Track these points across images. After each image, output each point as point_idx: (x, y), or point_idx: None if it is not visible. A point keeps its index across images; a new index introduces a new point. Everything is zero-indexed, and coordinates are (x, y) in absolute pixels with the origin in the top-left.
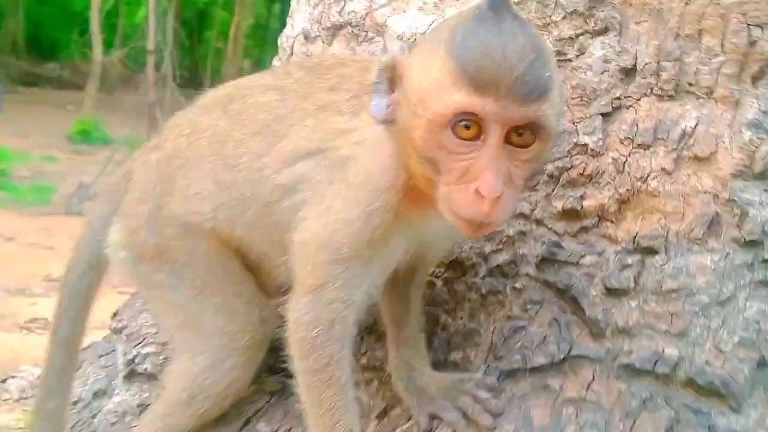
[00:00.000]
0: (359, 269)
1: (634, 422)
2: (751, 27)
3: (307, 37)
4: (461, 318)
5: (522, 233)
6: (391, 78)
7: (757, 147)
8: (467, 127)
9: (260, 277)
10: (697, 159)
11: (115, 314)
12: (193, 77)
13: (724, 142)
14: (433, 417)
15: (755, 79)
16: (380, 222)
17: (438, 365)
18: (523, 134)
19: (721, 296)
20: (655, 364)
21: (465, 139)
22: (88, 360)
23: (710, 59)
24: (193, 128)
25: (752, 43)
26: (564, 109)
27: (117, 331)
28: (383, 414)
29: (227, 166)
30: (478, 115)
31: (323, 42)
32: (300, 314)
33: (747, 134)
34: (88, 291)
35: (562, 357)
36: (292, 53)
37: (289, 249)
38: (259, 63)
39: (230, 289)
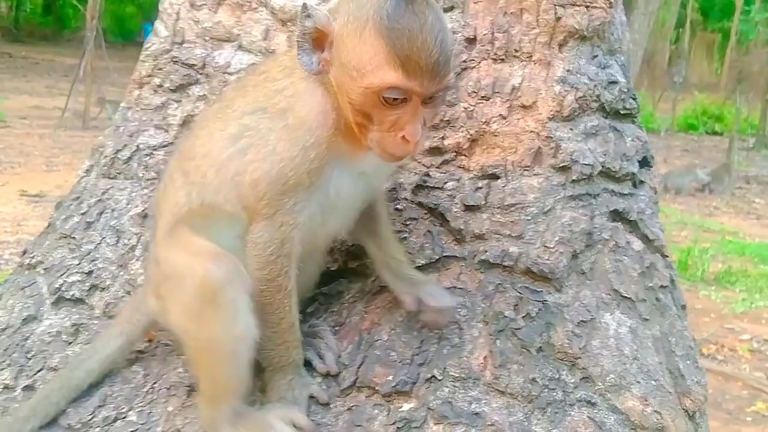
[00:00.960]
0: (302, 196)
1: (492, 302)
2: (557, 6)
3: (192, 5)
4: None
5: (400, 167)
6: (317, 39)
7: (564, 97)
8: (395, 98)
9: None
10: (524, 107)
11: (24, 252)
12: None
13: (541, 94)
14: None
15: (561, 46)
16: (316, 154)
17: (342, 272)
18: (434, 98)
19: (545, 208)
20: (503, 259)
21: (392, 105)
22: (8, 293)
23: (529, 31)
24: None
25: (558, 19)
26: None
27: (31, 267)
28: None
29: (187, 158)
30: (404, 91)
31: (209, 10)
32: (256, 236)
33: (557, 88)
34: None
35: (437, 258)
36: (178, 18)
37: (240, 191)
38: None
39: (188, 259)
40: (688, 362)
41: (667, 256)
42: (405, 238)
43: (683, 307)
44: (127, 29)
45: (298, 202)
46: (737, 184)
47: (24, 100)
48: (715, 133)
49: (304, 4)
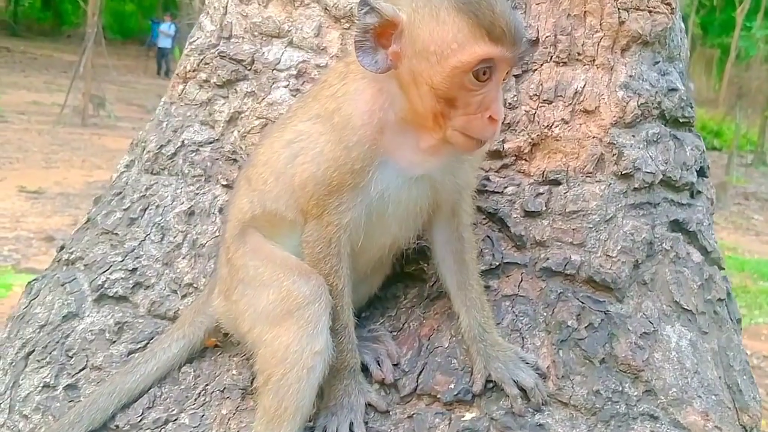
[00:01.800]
0: (347, 196)
1: (554, 310)
2: (620, 10)
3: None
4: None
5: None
6: (380, 34)
7: (626, 103)
8: (484, 72)
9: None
10: (586, 112)
11: (62, 247)
12: None
13: (604, 99)
14: (488, 381)
15: (623, 51)
16: (358, 153)
17: (398, 276)
18: (510, 70)
19: (606, 216)
20: (564, 267)
21: (481, 80)
22: (46, 288)
23: (592, 34)
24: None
25: (622, 23)
26: None
27: (69, 263)
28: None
29: (251, 166)
30: (495, 60)
31: (259, 5)
32: (306, 235)
33: (620, 93)
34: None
35: (497, 264)
36: (225, 12)
37: (295, 195)
38: None
39: (275, 270)
40: (744, 377)
41: (724, 269)
42: None
43: (738, 320)
44: (127, 27)
45: (343, 203)
46: (736, 200)
47: (22, 96)
48: (713, 148)
49: (363, 0)
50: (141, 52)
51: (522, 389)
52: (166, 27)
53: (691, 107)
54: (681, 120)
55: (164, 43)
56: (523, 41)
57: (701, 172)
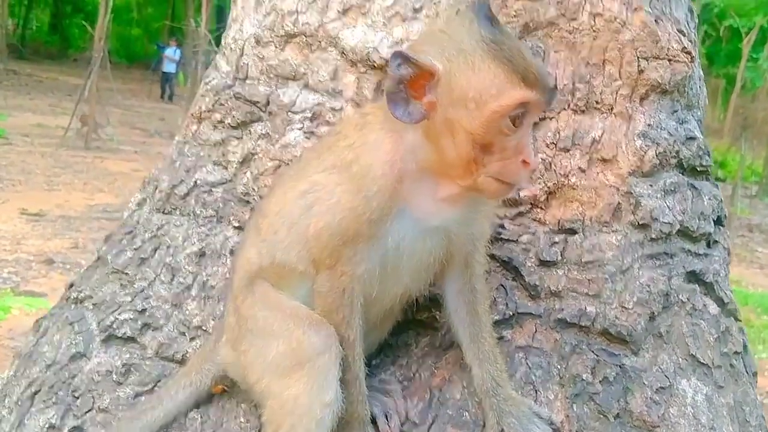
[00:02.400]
0: (362, 247)
1: (568, 363)
2: (640, 59)
3: (258, 42)
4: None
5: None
6: (414, 85)
7: (645, 152)
8: (519, 116)
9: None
10: (604, 160)
11: (71, 285)
12: None
13: (622, 148)
14: None
15: (642, 99)
16: (377, 203)
17: (409, 323)
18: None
19: (623, 266)
20: (579, 318)
21: (516, 125)
22: (54, 327)
23: (611, 83)
24: None
25: (641, 72)
26: None
27: (78, 301)
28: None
29: (261, 216)
30: (530, 104)
31: (276, 47)
32: (319, 286)
33: (638, 142)
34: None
35: (510, 314)
36: (242, 54)
37: (307, 246)
38: None
39: (284, 321)
40: None
41: (740, 320)
42: None
43: (755, 374)
44: (133, 51)
45: (357, 253)
46: (740, 232)
47: (27, 118)
48: (717, 179)
49: (399, 51)
50: (146, 76)
51: None
52: (171, 52)
53: (709, 156)
54: (699, 169)
55: (169, 68)
56: (552, 87)
57: (718, 222)
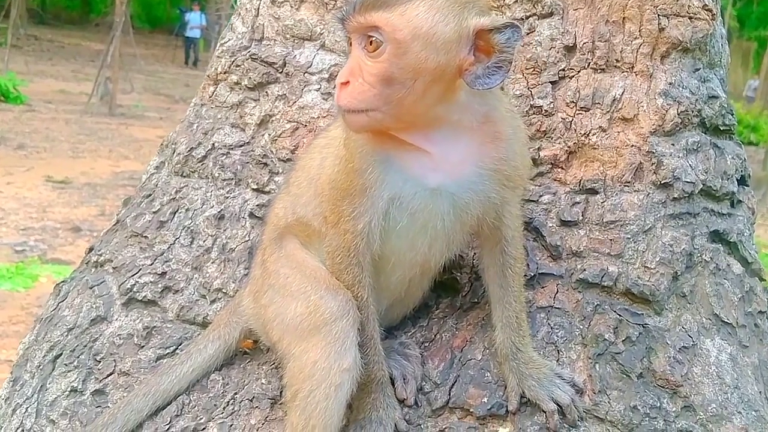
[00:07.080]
0: (358, 201)
1: (590, 323)
2: (660, 17)
3: (274, 2)
4: None
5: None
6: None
7: (666, 111)
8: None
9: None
10: (625, 119)
11: (91, 249)
12: None
13: (643, 107)
14: (523, 398)
15: (663, 58)
16: (357, 151)
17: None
18: (371, 41)
19: (645, 226)
20: (601, 278)
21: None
22: (75, 291)
23: (631, 41)
24: None
25: (661, 29)
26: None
27: (98, 265)
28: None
29: (294, 169)
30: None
31: (291, 7)
32: (327, 245)
33: (659, 101)
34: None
35: (532, 274)
36: (257, 14)
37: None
38: None
39: (303, 283)
40: None
41: (765, 280)
42: None
43: None
44: (155, 15)
45: (355, 209)
46: None
47: (49, 84)
48: (750, 143)
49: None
50: (169, 41)
51: (558, 405)
52: (196, 17)
53: (732, 114)
54: (722, 128)
55: (192, 32)
56: (363, 7)
57: (742, 181)
